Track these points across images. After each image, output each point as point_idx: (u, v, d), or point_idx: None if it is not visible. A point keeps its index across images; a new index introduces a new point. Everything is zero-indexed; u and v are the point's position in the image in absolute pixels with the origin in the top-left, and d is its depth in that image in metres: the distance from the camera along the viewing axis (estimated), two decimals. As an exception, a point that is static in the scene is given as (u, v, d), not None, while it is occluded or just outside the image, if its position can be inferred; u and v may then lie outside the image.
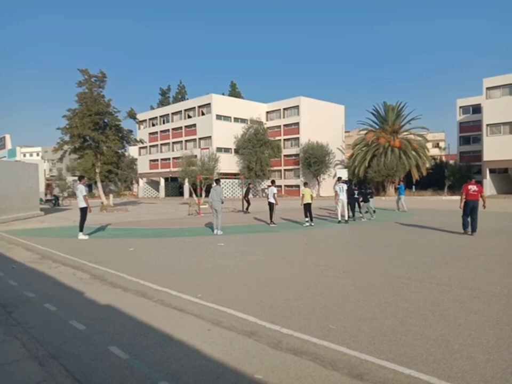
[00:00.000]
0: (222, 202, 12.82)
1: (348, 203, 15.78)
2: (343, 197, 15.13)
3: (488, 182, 41.17)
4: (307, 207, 14.48)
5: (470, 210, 11.24)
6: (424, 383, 2.90)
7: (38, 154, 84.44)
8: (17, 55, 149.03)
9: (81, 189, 11.88)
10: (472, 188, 11.32)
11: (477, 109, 50.86)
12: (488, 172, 41.28)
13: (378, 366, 3.16)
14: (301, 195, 14.80)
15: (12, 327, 4.24)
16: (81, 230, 11.74)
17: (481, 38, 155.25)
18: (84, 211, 11.81)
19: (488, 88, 41.81)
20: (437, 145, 75.36)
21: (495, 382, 2.88)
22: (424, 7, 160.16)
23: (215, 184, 13.20)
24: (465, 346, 3.52)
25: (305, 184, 15.81)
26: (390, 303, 4.86)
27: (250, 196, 24.38)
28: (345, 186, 15.36)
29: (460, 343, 3.60)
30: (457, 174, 48.46)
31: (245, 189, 24.74)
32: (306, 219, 14.56)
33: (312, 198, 14.74)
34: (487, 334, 3.82)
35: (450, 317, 4.32)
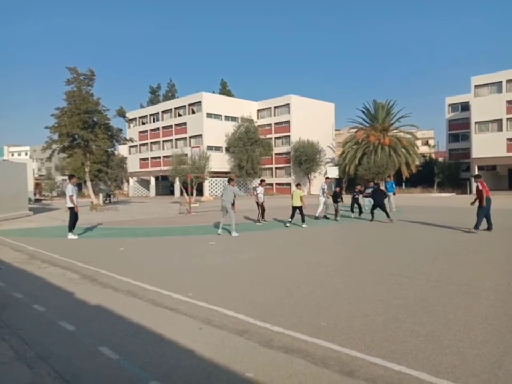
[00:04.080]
0: (233, 204, 12.16)
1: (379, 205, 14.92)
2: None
3: (476, 179, 41.67)
4: (297, 209, 13.61)
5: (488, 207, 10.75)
6: (414, 379, 2.92)
7: (26, 154, 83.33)
8: (3, 54, 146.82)
9: (68, 189, 11.77)
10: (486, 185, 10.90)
11: (465, 107, 51.48)
12: (476, 168, 41.81)
13: (369, 363, 3.18)
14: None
15: None
16: (70, 229, 11.63)
17: (469, 37, 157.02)
18: (72, 211, 11.70)
19: (476, 86, 42.35)
20: (426, 143, 76.10)
21: (483, 377, 2.91)
22: (412, 6, 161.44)
23: (227, 183, 12.51)
24: (455, 342, 3.55)
25: (297, 185, 14.53)
26: (380, 300, 4.89)
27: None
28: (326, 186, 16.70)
29: (449, 338, 3.64)
30: (446, 171, 49.10)
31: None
32: (289, 220, 13.67)
33: (302, 199, 13.64)
34: (476, 329, 3.86)
35: (439, 313, 4.36)
